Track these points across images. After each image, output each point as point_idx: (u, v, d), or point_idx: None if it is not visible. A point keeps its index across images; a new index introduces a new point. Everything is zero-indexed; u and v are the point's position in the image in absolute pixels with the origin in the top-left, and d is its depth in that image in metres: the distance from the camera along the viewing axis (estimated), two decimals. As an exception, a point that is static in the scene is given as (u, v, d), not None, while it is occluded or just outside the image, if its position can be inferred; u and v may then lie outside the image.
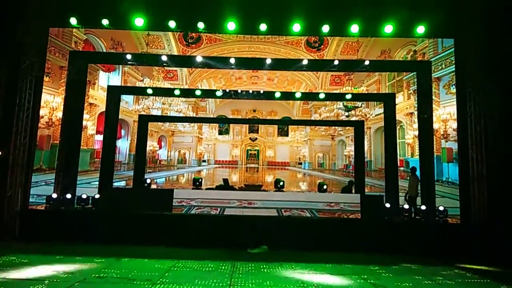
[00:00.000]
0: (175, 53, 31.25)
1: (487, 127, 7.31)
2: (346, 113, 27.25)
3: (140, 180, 12.70)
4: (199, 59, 9.63)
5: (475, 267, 6.12)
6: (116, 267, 5.41)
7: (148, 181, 13.35)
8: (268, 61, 9.51)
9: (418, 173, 9.05)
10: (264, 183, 20.62)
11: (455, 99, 8.36)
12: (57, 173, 8.75)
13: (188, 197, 11.33)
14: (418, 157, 9.80)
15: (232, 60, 9.40)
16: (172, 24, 8.13)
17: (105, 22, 8.04)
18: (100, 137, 24.59)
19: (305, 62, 9.64)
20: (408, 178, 10.09)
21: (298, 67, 9.88)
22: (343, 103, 24.55)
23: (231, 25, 8.10)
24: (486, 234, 6.91)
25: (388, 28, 8.03)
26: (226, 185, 14.64)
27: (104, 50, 24.92)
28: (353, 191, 13.15)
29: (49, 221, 7.49)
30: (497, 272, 5.93)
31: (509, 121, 7.26)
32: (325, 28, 8.18)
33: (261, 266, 5.74)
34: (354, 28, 8.10)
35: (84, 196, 8.16)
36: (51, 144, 17.80)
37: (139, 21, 8.00)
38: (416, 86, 10.20)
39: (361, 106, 27.94)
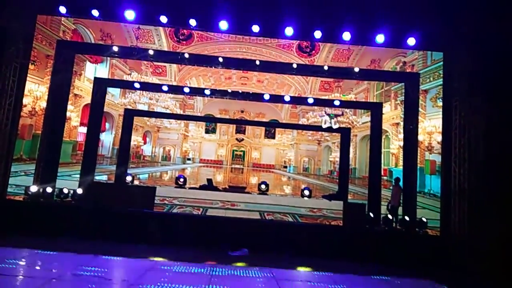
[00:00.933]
0: (165, 48, 31.02)
1: (471, 141, 7.41)
2: (330, 121, 27.08)
3: (122, 176, 12.53)
4: (189, 56, 9.55)
5: (454, 279, 6.19)
6: (94, 264, 5.27)
7: (130, 178, 13.14)
8: (259, 62, 9.49)
9: (401, 183, 9.14)
10: (249, 185, 20.56)
11: (441, 112, 8.46)
12: (37, 163, 8.53)
13: (170, 195, 11.25)
14: (402, 167, 9.91)
15: (223, 60, 9.34)
16: (163, 19, 7.98)
17: (95, 13, 7.84)
18: (83, 129, 24.21)
19: (295, 66, 9.64)
20: (391, 187, 10.18)
21: (289, 70, 9.89)
22: (324, 111, 23.60)
23: (223, 24, 8.01)
24: (465, 246, 7.00)
25: (380, 38, 8.07)
26: (210, 185, 14.59)
27: (93, 41, 24.55)
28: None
29: (27, 212, 7.25)
30: (474, 284, 6.01)
31: (493, 136, 7.38)
32: (317, 34, 8.17)
33: (241, 270, 5.70)
34: (346, 36, 8.11)
35: (64, 189, 7.98)
36: (32, 134, 17.42)
37: (130, 14, 7.83)
38: (403, 97, 10.30)
39: (342, 114, 28.09)
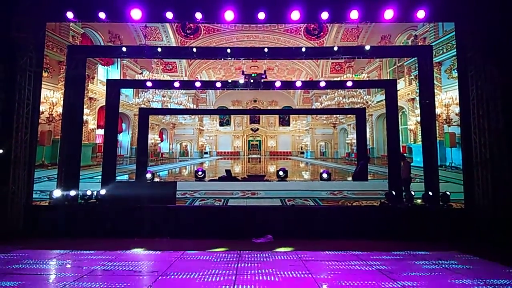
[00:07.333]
0: (173, 44, 31.10)
1: (489, 110, 7.23)
2: None
3: (143, 174, 12.73)
4: (198, 50, 9.57)
5: (481, 251, 6.09)
6: (122, 260, 5.42)
7: (150, 175, 13.31)
8: (267, 50, 9.44)
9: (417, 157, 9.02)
10: (267, 173, 20.63)
11: (457, 84, 8.26)
12: (59, 168, 8.74)
13: (191, 189, 11.39)
14: (420, 142, 9.77)
15: (231, 50, 9.32)
16: (169, 15, 7.99)
17: (102, 15, 7.91)
18: (101, 132, 24.61)
19: (305, 50, 9.55)
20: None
21: (298, 55, 9.78)
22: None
23: (229, 15, 7.97)
24: (490, 218, 6.90)
25: (388, 13, 7.87)
26: (229, 176, 14.70)
27: (102, 44, 24.81)
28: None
29: (53, 216, 7.48)
30: (503, 255, 5.91)
31: (511, 103, 7.19)
32: (324, 15, 8.01)
33: (267, 255, 5.75)
34: (354, 14, 7.93)
35: (87, 191, 8.16)
36: (52, 140, 17.83)
37: (136, 13, 7.87)
38: (417, 71, 10.05)
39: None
